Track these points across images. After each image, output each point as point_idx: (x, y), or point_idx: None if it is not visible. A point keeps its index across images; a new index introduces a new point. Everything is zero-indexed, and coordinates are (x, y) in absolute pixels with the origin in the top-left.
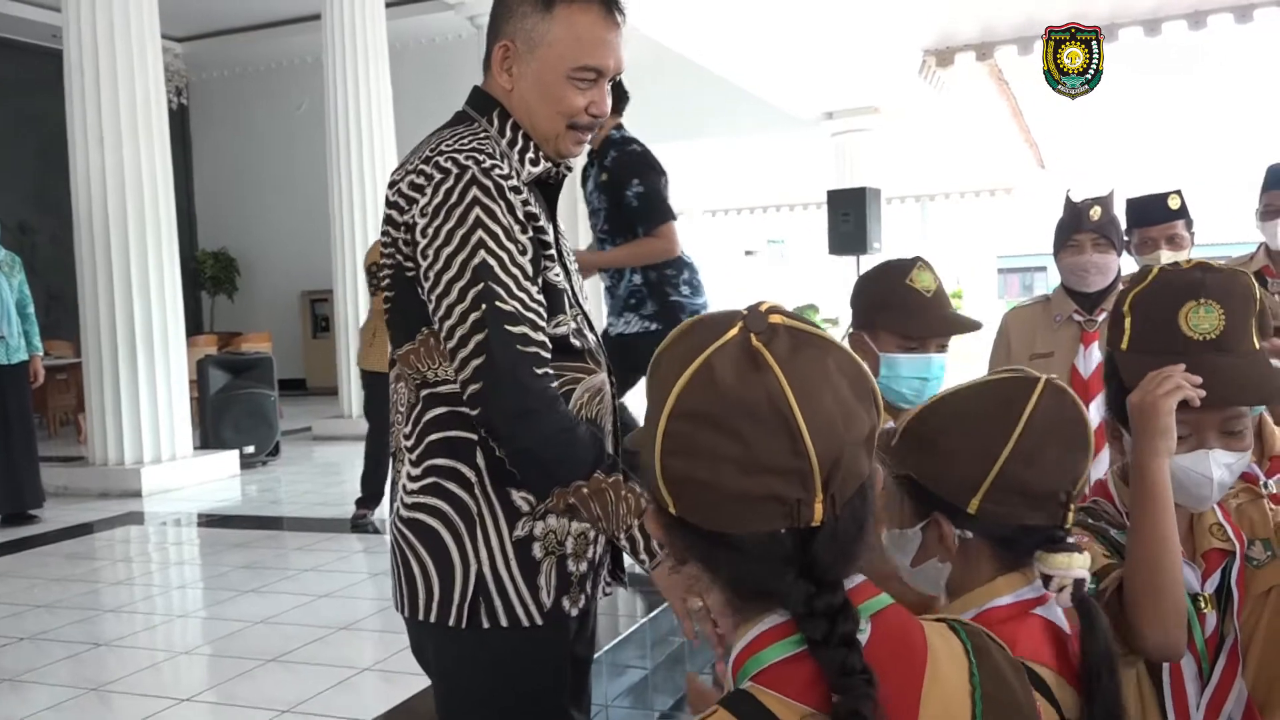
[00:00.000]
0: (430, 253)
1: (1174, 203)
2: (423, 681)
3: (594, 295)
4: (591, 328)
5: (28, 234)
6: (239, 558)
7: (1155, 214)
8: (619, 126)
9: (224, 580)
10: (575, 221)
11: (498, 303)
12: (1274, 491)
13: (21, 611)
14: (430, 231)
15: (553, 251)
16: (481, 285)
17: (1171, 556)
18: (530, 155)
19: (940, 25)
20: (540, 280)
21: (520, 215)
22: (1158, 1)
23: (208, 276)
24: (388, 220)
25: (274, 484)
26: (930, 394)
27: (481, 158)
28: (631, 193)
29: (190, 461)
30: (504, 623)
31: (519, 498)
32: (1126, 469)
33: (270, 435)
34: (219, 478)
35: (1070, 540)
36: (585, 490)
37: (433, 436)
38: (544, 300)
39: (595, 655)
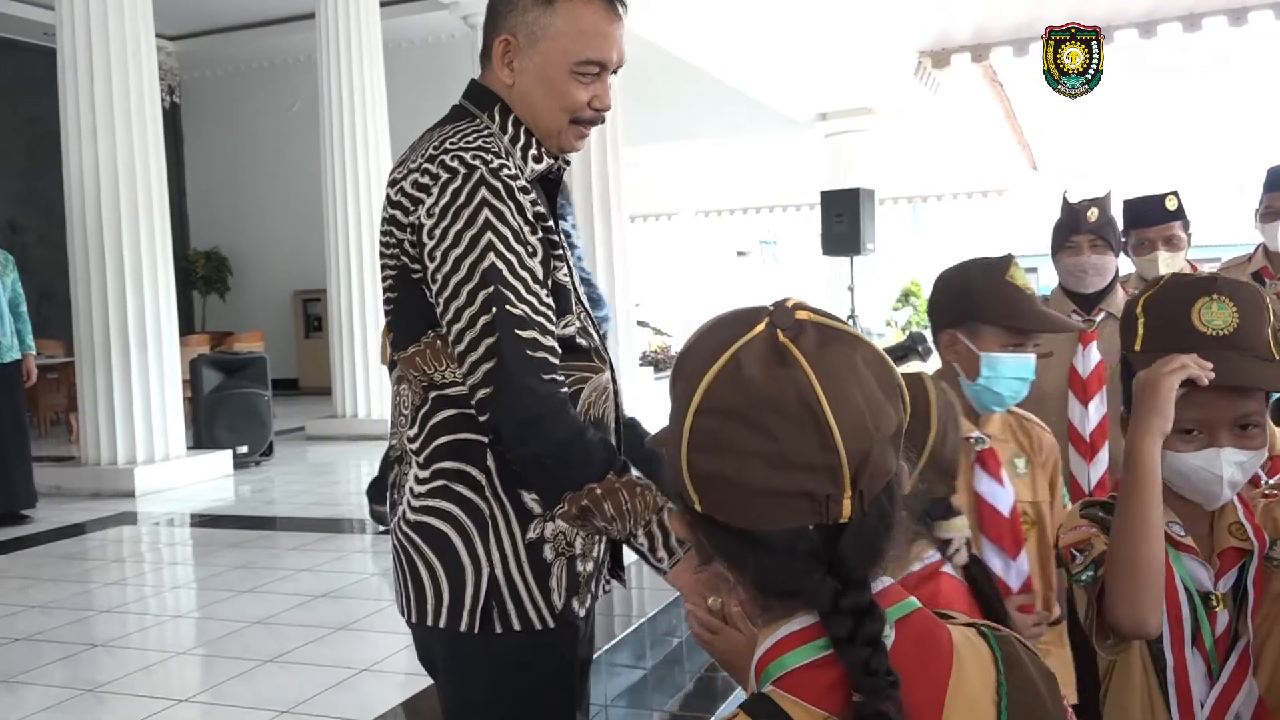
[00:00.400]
0: (438, 254)
1: (1171, 204)
2: (422, 681)
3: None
4: (595, 325)
5: (18, 233)
6: (234, 558)
7: (1152, 215)
8: None
9: (219, 580)
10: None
11: (508, 306)
12: (1272, 490)
13: (16, 612)
14: (438, 233)
15: (560, 251)
16: (491, 288)
17: (1150, 536)
18: (533, 152)
19: (936, 27)
20: (549, 282)
21: (530, 216)
22: (1153, 4)
23: (199, 276)
24: (390, 220)
25: (268, 484)
26: (1024, 397)
27: (489, 157)
28: None
29: (183, 461)
30: (517, 626)
31: (530, 499)
32: None
33: (264, 435)
34: (212, 478)
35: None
36: (599, 491)
37: (441, 439)
38: (553, 303)
39: (594, 655)
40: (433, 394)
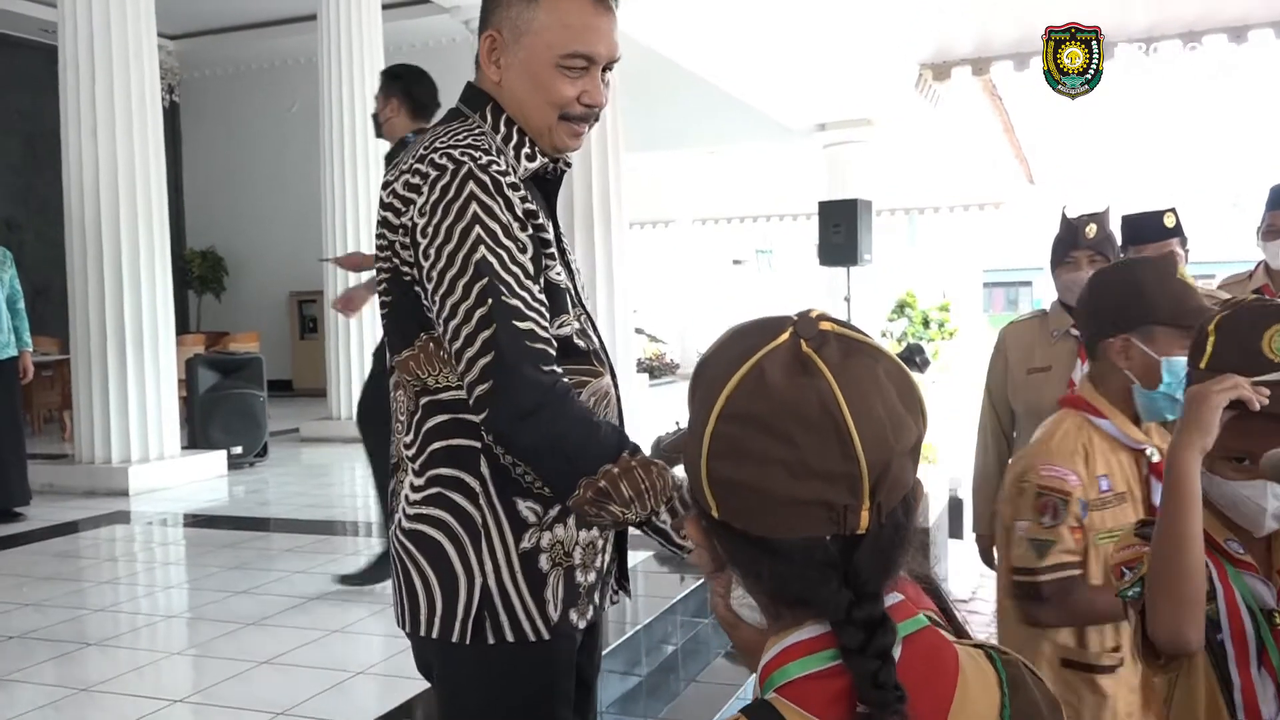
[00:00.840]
0: (432, 252)
1: (1169, 221)
2: (418, 685)
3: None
4: (594, 328)
5: (15, 230)
6: (228, 558)
7: (1150, 232)
8: (420, 130)
9: (213, 581)
10: (571, 218)
11: (503, 298)
12: None
13: (9, 610)
14: (430, 230)
15: (553, 250)
16: (485, 280)
17: (1188, 550)
18: (526, 150)
19: (937, 39)
20: (541, 280)
21: (519, 212)
22: (1153, 20)
23: (195, 275)
24: (383, 223)
25: (262, 485)
26: None
27: (477, 154)
28: None
29: (178, 461)
30: (510, 638)
31: (525, 508)
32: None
33: (259, 436)
34: (206, 478)
35: None
36: (615, 471)
37: (435, 445)
38: (545, 300)
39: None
40: (425, 399)
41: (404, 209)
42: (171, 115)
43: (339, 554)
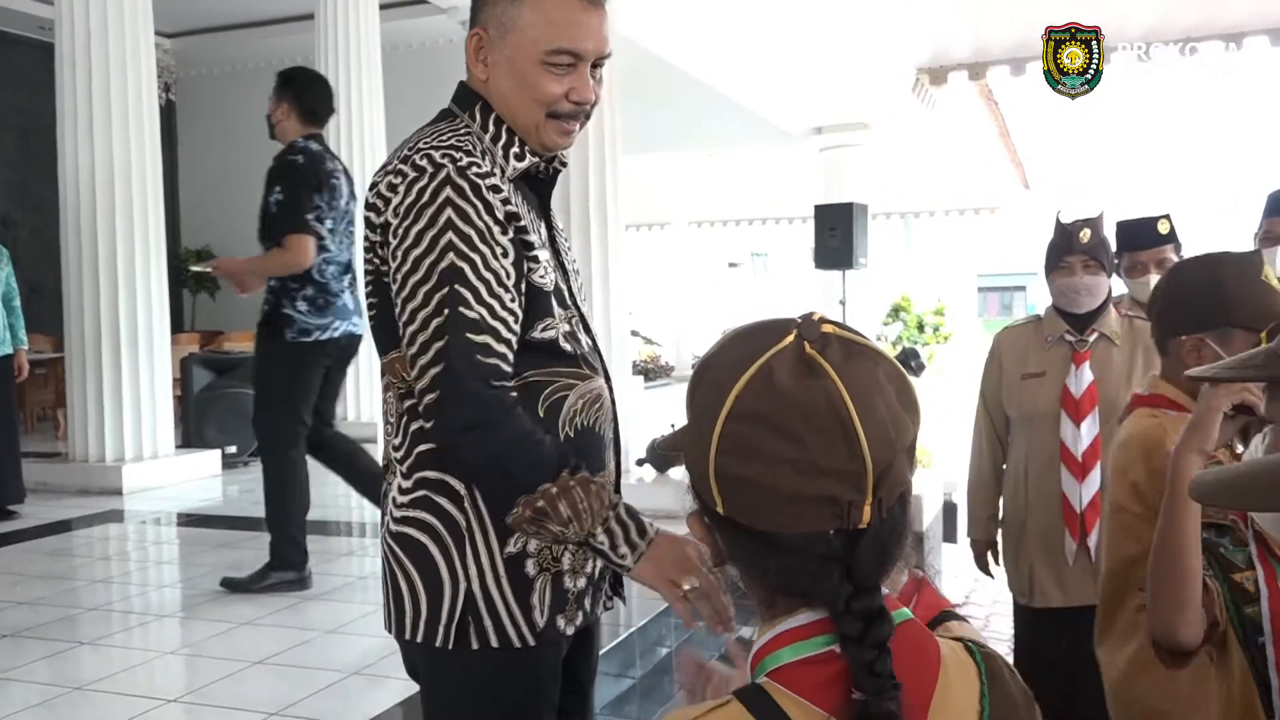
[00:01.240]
0: (400, 254)
1: (1163, 228)
2: (411, 686)
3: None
4: (588, 330)
5: (9, 228)
6: (222, 558)
7: (1145, 239)
8: (313, 136)
9: (207, 580)
10: (568, 220)
11: (462, 309)
12: None
13: (2, 608)
14: (400, 232)
15: (536, 252)
16: (447, 289)
17: (1184, 550)
18: (515, 150)
19: (934, 44)
20: (522, 284)
21: (500, 215)
22: (1150, 27)
23: (190, 274)
24: (366, 223)
25: (255, 485)
26: None
27: (458, 155)
28: (273, 199)
29: (172, 460)
30: (494, 643)
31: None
32: None
33: (253, 436)
34: (200, 477)
35: None
36: (553, 490)
37: (421, 448)
38: (518, 308)
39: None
40: (408, 402)
41: (383, 208)
42: (168, 113)
43: (333, 554)
